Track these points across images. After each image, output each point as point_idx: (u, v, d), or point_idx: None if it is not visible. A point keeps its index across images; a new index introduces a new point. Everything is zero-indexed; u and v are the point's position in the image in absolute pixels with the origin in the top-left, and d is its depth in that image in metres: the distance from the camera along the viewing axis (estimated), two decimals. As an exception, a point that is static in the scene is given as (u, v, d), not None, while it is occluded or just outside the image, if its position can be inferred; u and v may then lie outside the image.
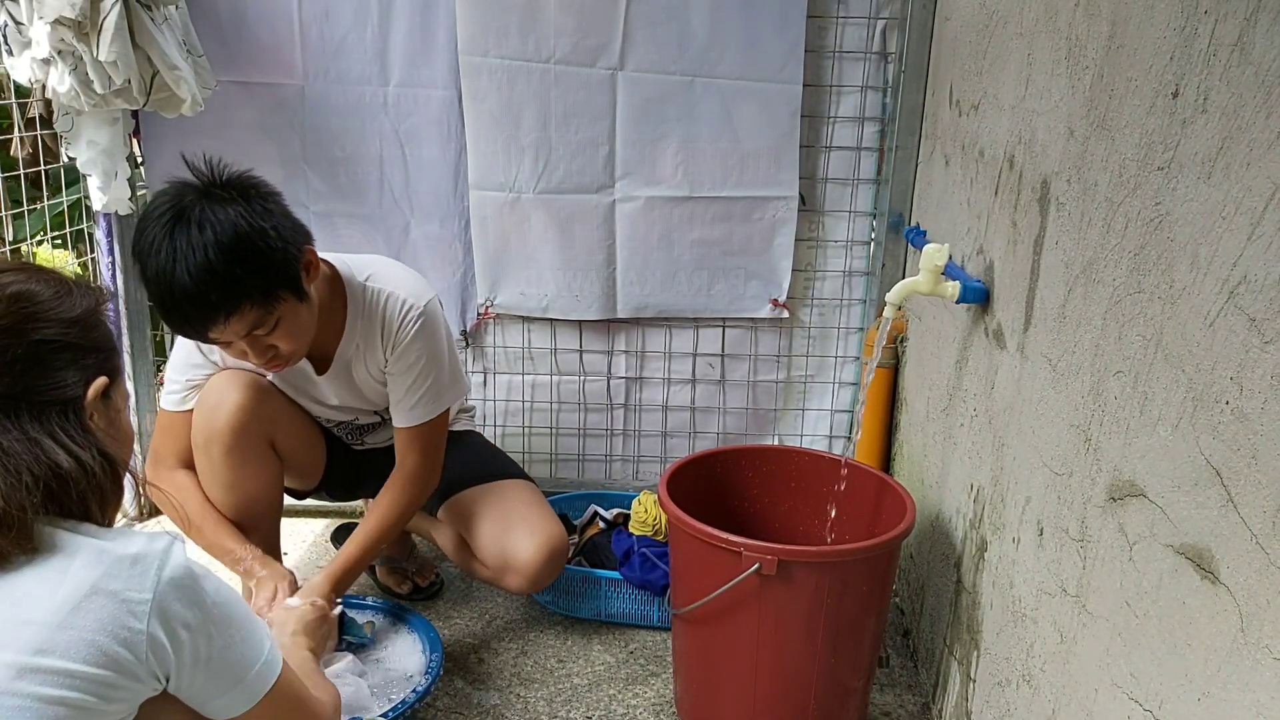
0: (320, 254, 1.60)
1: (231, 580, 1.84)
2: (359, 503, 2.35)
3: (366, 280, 1.70)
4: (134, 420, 2.31)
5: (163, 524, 2.32)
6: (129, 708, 0.95)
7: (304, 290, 1.53)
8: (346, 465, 2.00)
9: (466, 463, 1.99)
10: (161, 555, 0.96)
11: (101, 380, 1.01)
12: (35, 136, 2.21)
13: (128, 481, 1.07)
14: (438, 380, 1.75)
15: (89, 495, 0.96)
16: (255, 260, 1.43)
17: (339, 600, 1.73)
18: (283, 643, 1.47)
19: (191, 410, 1.74)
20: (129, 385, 2.23)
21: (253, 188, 1.48)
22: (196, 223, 1.39)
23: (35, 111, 2.06)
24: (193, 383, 1.75)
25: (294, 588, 1.69)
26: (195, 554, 1.70)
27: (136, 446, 2.08)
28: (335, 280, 1.68)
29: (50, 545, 0.93)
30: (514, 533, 1.87)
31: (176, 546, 0.98)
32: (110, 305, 1.10)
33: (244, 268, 1.42)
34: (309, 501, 2.15)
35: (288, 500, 2.03)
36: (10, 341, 0.94)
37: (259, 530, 1.83)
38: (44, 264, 1.09)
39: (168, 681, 0.98)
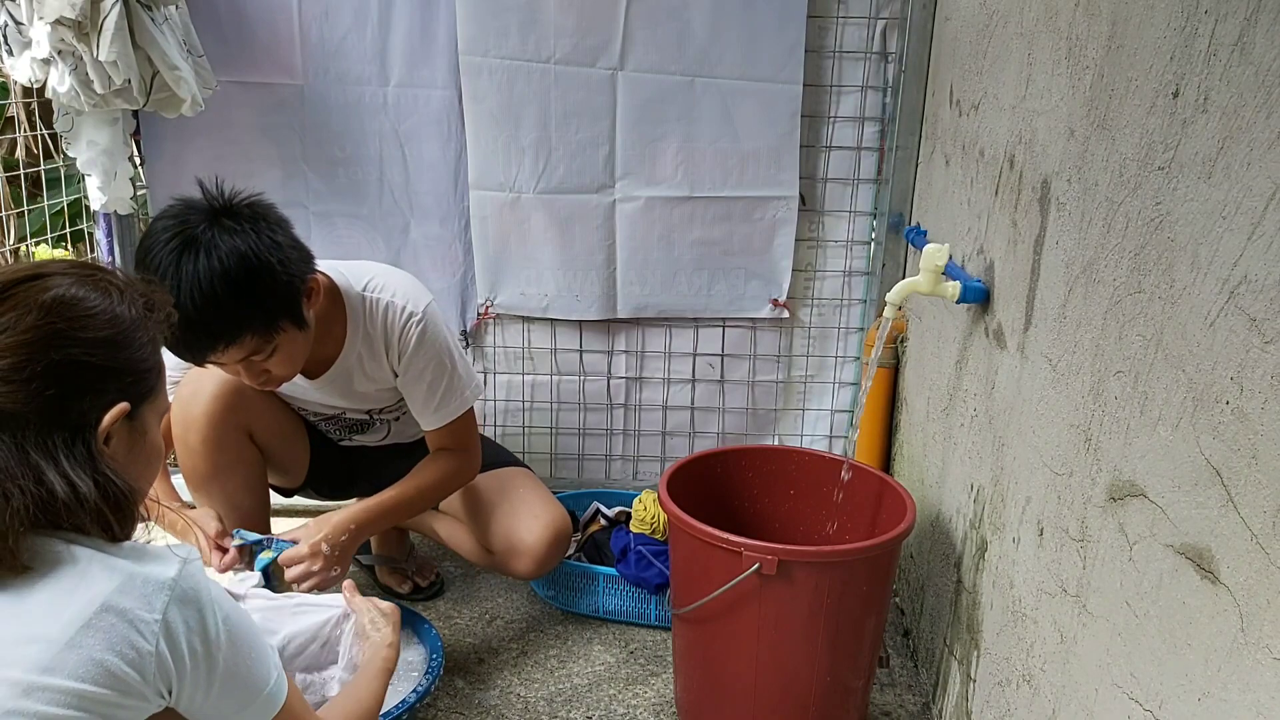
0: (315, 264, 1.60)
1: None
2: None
3: (364, 289, 1.70)
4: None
5: (169, 538, 2.31)
6: None
7: (304, 320, 1.54)
8: (335, 463, 2.00)
9: None
10: (174, 575, 0.94)
11: (121, 407, 0.96)
12: (36, 136, 2.21)
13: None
14: (451, 379, 1.76)
15: (85, 522, 0.93)
16: (260, 294, 1.44)
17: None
18: (376, 666, 1.40)
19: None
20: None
21: (262, 218, 1.48)
22: (205, 250, 1.39)
23: (20, 113, 2.05)
24: (174, 379, 1.76)
25: (220, 524, 1.67)
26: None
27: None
28: (333, 291, 1.67)
29: (57, 558, 0.90)
30: (519, 516, 1.89)
31: (189, 566, 0.96)
32: (167, 311, 1.02)
33: (249, 301, 1.43)
34: (307, 503, 2.15)
35: (283, 500, 2.03)
36: (31, 358, 0.90)
37: (244, 525, 1.83)
38: (97, 264, 1.02)
39: (172, 697, 0.96)
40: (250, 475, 1.82)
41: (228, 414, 1.73)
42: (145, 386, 1.00)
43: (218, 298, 1.39)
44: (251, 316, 1.45)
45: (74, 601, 0.88)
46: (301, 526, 1.70)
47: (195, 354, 1.47)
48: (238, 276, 1.40)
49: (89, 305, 0.94)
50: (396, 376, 1.76)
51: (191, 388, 1.73)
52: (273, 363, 1.53)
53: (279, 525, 1.96)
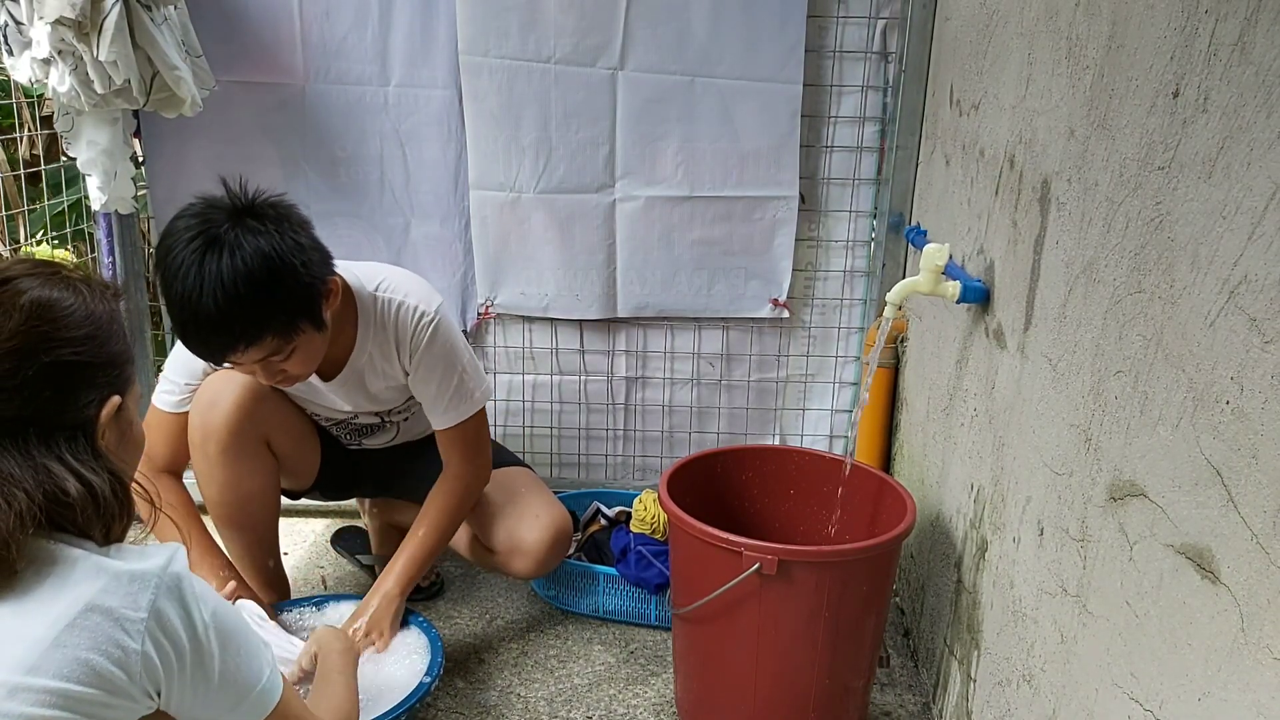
0: None
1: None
2: (353, 502, 2.35)
3: (376, 290, 1.70)
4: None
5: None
6: None
7: (323, 321, 1.54)
8: (342, 466, 2.00)
9: None
10: (159, 572, 0.93)
11: (115, 400, 0.97)
12: (36, 136, 2.21)
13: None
14: (462, 381, 1.76)
15: (93, 520, 0.92)
16: (283, 295, 1.43)
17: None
18: (333, 664, 1.46)
19: (185, 413, 1.74)
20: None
21: (285, 218, 1.46)
22: (228, 250, 1.38)
23: (42, 111, 2.06)
24: (191, 386, 1.75)
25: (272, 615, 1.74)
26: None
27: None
28: (345, 291, 1.66)
29: (45, 560, 0.90)
30: (520, 516, 1.89)
31: (176, 563, 0.95)
32: (123, 303, 1.04)
33: (271, 302, 1.42)
34: (309, 503, 2.15)
35: (286, 501, 2.03)
36: (21, 364, 0.90)
37: (256, 529, 1.84)
38: (57, 260, 1.03)
39: (161, 697, 0.95)
40: (265, 483, 1.82)
41: (247, 423, 1.72)
42: (127, 377, 1.01)
43: (240, 298, 1.38)
44: (273, 317, 1.44)
45: (59, 602, 0.88)
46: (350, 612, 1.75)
47: (215, 354, 1.46)
48: (261, 277, 1.39)
49: (66, 305, 0.94)
50: (407, 375, 1.76)
51: (210, 397, 1.72)
52: (290, 363, 1.53)
53: (283, 526, 1.96)
